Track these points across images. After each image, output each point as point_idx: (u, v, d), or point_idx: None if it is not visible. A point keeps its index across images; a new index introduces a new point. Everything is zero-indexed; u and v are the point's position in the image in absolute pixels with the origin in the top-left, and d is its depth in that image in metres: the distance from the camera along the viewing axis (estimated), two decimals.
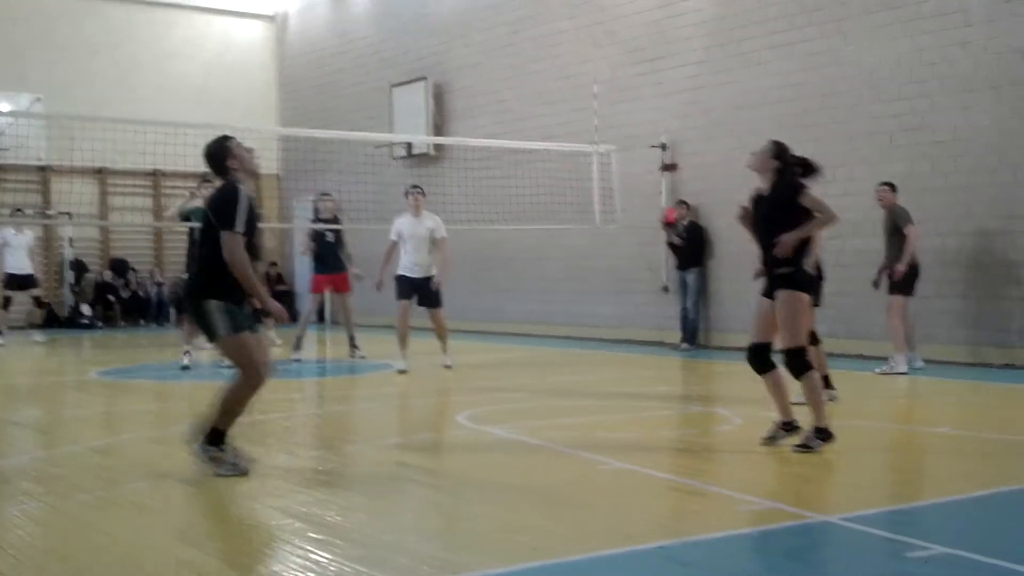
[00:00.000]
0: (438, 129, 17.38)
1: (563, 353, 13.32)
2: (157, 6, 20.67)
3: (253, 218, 5.66)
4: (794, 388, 6.32)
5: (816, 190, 6.38)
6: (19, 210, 16.23)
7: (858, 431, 6.80)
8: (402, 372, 10.61)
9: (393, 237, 10.91)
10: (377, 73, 18.97)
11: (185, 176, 18.13)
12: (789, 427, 6.28)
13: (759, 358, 6.32)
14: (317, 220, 12.74)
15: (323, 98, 20.42)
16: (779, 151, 6.35)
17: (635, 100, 14.41)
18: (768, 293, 6.31)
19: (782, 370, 6.29)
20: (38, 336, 15.66)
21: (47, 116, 17.58)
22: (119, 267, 20.24)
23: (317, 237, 12.53)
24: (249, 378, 5.58)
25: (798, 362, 6.15)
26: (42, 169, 18.95)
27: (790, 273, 6.20)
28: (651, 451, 6.54)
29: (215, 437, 5.62)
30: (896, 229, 10.39)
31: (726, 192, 13.33)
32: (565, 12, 15.56)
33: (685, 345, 13.27)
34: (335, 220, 12.60)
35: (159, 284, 20.01)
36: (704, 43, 13.58)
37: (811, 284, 6.42)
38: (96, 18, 20.00)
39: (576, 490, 5.37)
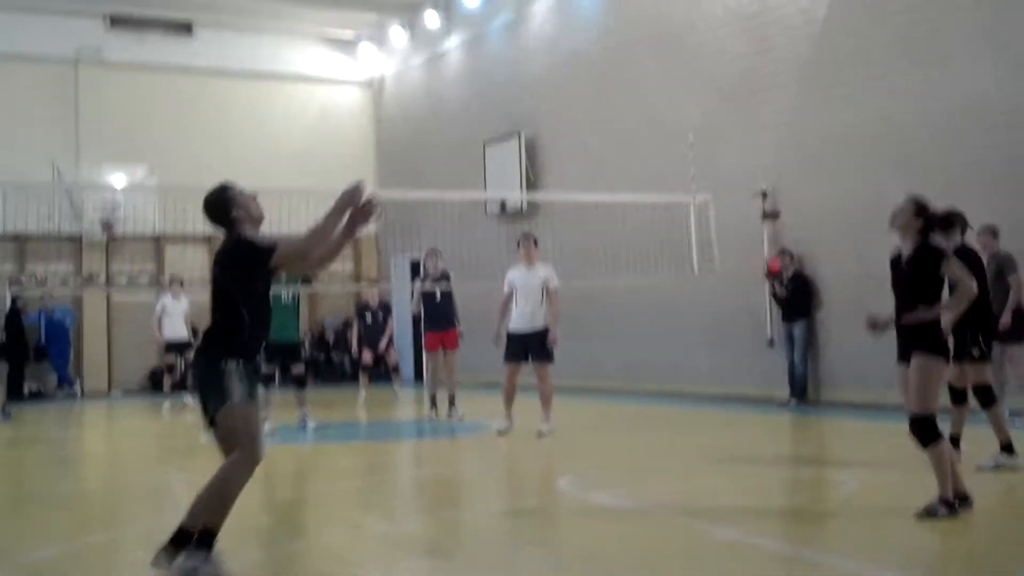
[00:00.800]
0: (531, 183, 17.46)
1: (663, 410, 13.04)
2: (261, 78, 21.35)
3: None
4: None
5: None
6: (179, 282, 16.28)
7: (979, 494, 6.40)
8: (502, 432, 10.45)
9: (507, 289, 10.67)
10: (469, 131, 19.20)
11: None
12: (964, 499, 5.91)
13: (923, 429, 5.90)
14: (426, 277, 12.80)
15: (418, 158, 20.76)
16: (920, 208, 6.06)
17: (729, 144, 14.17)
18: (903, 356, 6.04)
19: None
20: (188, 399, 15.84)
21: (159, 188, 18.23)
22: None
23: (427, 294, 12.63)
24: (250, 455, 4.94)
25: (926, 431, 5.84)
26: (156, 238, 19.67)
27: (926, 336, 5.90)
28: (762, 518, 6.28)
29: (205, 539, 4.84)
30: (1000, 274, 9.93)
31: (831, 240, 12.99)
32: (653, 58, 15.50)
33: (794, 401, 12.84)
34: (445, 277, 12.63)
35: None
36: (798, 82, 13.34)
37: (946, 346, 6.10)
38: (203, 92, 20.78)
39: (685, 562, 5.17)
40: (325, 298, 20.72)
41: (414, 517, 6.83)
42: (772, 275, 13.21)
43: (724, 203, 13.55)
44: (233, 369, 4.95)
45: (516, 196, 17.23)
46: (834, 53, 12.89)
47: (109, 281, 19.42)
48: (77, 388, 18.82)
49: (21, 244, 18.84)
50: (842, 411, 11.84)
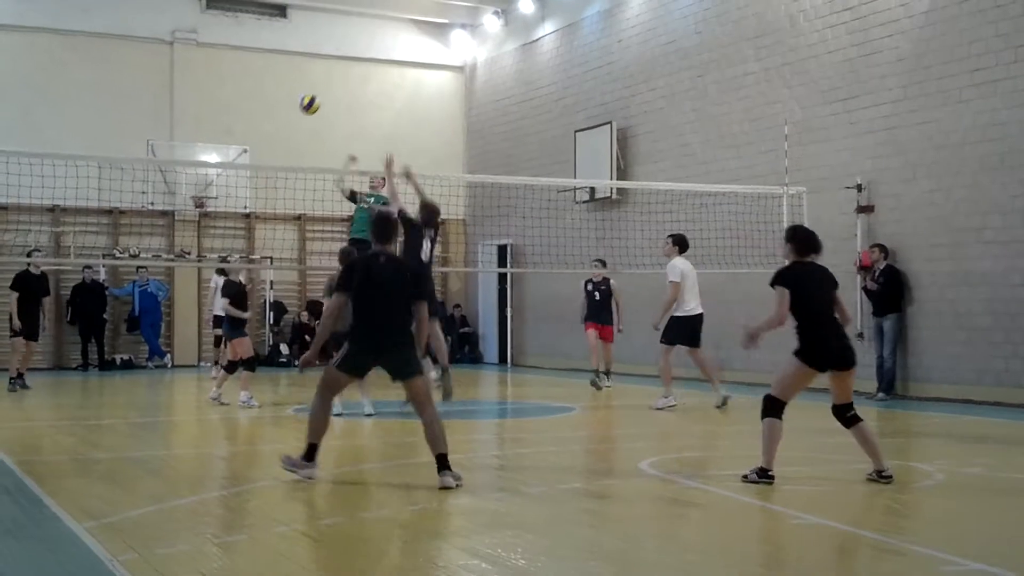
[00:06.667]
0: (621, 173, 17.40)
1: (751, 400, 12.88)
2: (354, 61, 21.63)
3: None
4: None
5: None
6: (225, 258, 16.86)
7: None
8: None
9: (677, 279, 11.39)
10: (561, 119, 19.21)
11: None
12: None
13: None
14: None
15: (508, 145, 20.85)
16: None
17: (827, 141, 13.97)
18: None
19: None
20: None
21: (252, 167, 18.63)
22: (315, 309, 21.14)
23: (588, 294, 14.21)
24: None
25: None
26: (247, 216, 20.14)
27: None
28: (845, 506, 6.25)
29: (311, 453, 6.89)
30: None
31: (925, 235, 12.72)
32: (752, 54, 15.31)
33: (881, 395, 12.62)
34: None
35: None
36: (901, 81, 13.04)
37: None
38: (298, 74, 21.02)
39: (765, 546, 5.17)
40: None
41: (495, 494, 6.94)
42: (863, 268, 12.98)
43: (818, 197, 13.35)
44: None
45: (606, 183, 17.21)
46: (938, 54, 12.55)
47: (201, 256, 19.85)
48: (168, 360, 19.32)
49: (115, 218, 19.44)
50: (930, 406, 11.61)
